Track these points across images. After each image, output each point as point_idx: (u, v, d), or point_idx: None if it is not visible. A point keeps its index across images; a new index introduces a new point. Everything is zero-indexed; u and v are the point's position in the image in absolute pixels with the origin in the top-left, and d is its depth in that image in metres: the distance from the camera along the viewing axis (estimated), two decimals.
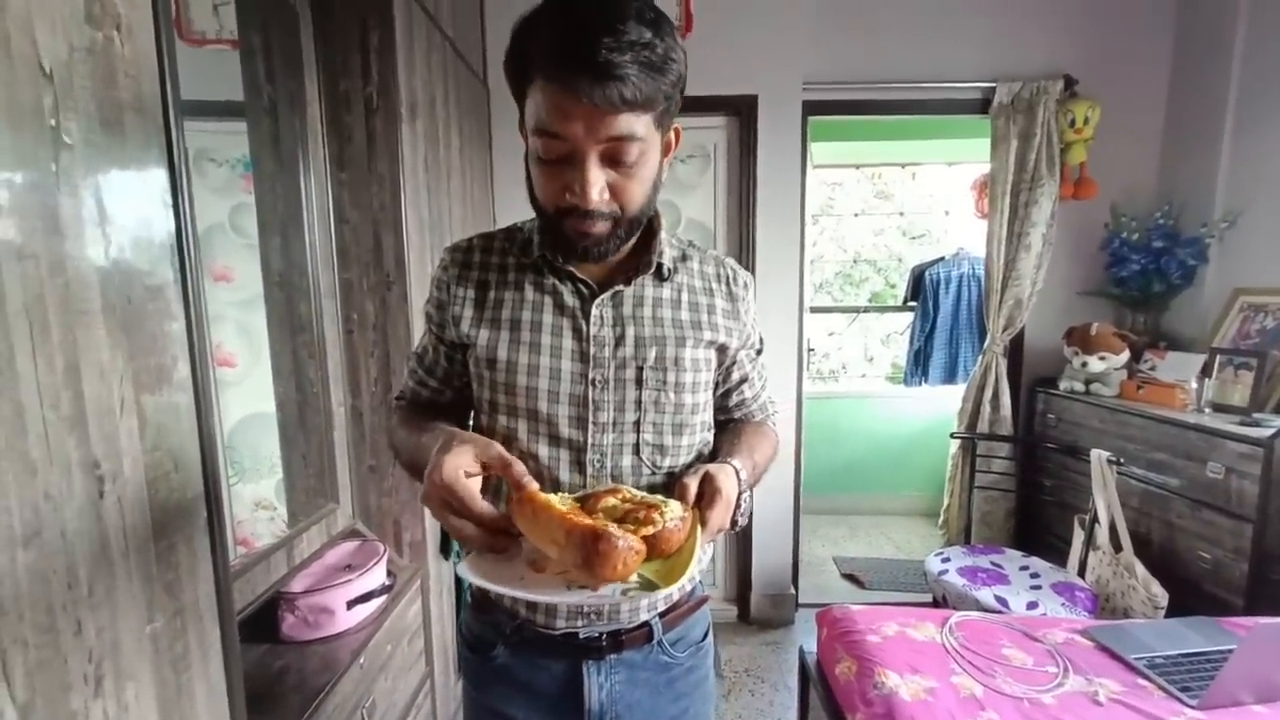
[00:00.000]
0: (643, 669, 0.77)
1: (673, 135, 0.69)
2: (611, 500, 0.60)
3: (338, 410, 1.39)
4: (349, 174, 1.41)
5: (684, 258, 0.78)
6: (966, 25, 2.40)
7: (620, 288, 0.72)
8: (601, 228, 0.65)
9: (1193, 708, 1.15)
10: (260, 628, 1.12)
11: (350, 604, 1.19)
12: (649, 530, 0.55)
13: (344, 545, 1.35)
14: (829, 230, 4.60)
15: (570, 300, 0.72)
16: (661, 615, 0.77)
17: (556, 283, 0.73)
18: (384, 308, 1.44)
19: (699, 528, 0.60)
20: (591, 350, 0.71)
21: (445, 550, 1.64)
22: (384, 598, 1.28)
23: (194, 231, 0.74)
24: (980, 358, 2.59)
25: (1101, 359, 2.24)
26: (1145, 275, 2.32)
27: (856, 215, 4.59)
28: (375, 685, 1.19)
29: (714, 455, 0.78)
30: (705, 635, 0.84)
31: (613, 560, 0.52)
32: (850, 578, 2.84)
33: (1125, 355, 2.23)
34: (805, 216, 2.43)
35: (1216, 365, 1.97)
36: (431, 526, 1.55)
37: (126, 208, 0.62)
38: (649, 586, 0.58)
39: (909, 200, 4.49)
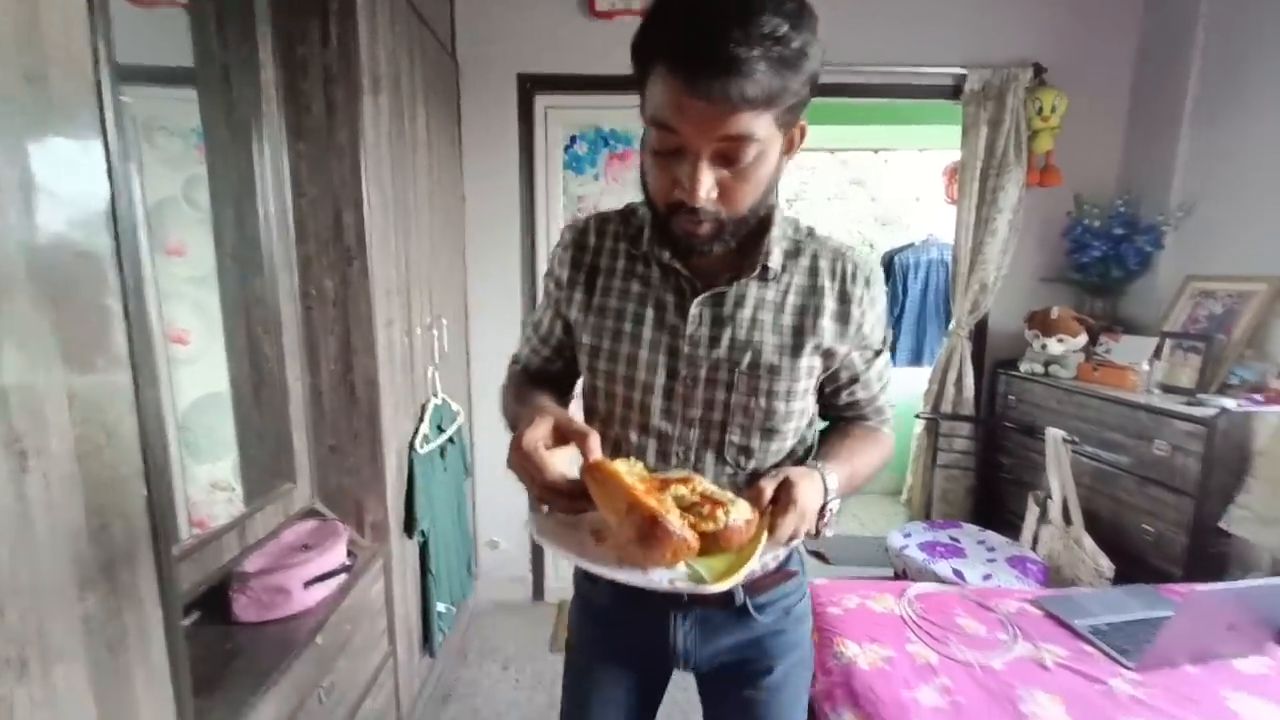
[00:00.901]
0: (725, 625, 0.80)
1: (796, 132, 0.65)
2: (682, 489, 0.60)
3: (294, 387, 1.36)
4: (307, 145, 1.36)
5: (797, 251, 0.75)
6: (940, 11, 2.40)
7: (723, 288, 0.71)
8: (707, 228, 0.64)
9: (1131, 669, 1.21)
10: (213, 609, 1.10)
11: (308, 584, 1.16)
12: (709, 527, 0.56)
13: (302, 525, 1.33)
14: (802, 215, 4.61)
15: (670, 297, 0.72)
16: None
17: (660, 277, 0.73)
18: (344, 284, 1.41)
19: (764, 533, 0.60)
20: (685, 349, 0.71)
21: (409, 529, 1.63)
22: (343, 577, 1.26)
23: (134, 199, 0.70)
24: (945, 340, 2.64)
25: (1060, 341, 2.30)
26: (1105, 262, 2.38)
27: (829, 200, 4.61)
28: (334, 665, 1.18)
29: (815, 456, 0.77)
30: (799, 603, 0.85)
31: (663, 547, 0.54)
32: (816, 554, 2.90)
33: (1083, 338, 2.29)
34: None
35: (1166, 348, 2.04)
36: (394, 506, 1.53)
37: (54, 170, 0.59)
38: (698, 580, 0.59)
39: (881, 186, 4.52)
